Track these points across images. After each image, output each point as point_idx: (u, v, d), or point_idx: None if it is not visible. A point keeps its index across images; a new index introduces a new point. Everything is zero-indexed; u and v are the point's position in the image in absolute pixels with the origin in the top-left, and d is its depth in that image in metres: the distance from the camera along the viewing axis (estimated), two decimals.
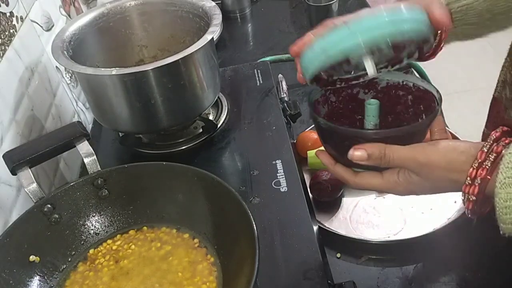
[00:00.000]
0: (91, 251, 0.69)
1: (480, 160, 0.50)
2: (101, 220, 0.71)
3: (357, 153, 0.56)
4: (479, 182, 0.50)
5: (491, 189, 0.49)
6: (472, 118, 2.26)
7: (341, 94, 0.66)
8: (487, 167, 0.50)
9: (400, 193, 0.58)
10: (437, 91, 0.60)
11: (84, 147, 0.70)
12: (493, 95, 0.82)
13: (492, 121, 0.85)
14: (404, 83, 0.64)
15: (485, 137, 0.82)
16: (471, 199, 0.51)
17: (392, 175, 0.56)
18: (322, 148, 0.64)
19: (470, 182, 0.51)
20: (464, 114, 2.28)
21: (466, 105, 2.33)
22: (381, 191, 0.60)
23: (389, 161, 0.55)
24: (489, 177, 0.50)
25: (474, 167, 0.50)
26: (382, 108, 0.63)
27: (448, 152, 0.53)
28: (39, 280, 0.64)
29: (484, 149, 0.50)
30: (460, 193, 0.52)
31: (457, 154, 0.53)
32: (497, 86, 0.82)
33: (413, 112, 0.64)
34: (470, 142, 0.54)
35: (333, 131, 0.59)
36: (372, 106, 0.61)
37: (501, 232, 0.50)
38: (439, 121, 0.59)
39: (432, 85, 0.61)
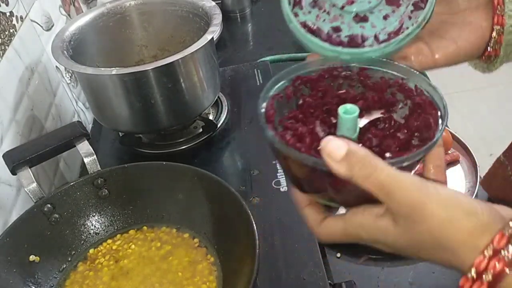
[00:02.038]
0: (91, 251, 0.69)
1: (497, 246, 0.33)
2: (101, 220, 0.71)
3: (330, 146, 0.36)
4: (490, 278, 0.33)
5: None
6: (472, 118, 2.27)
7: (317, 86, 0.46)
8: (506, 257, 0.33)
9: (363, 241, 0.41)
10: (444, 105, 0.42)
11: (84, 147, 0.70)
12: None
13: None
14: (404, 81, 0.45)
15: (499, 165, 0.72)
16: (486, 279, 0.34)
17: (357, 216, 0.39)
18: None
19: (475, 275, 0.34)
20: (464, 114, 2.29)
21: (466, 105, 2.33)
22: (344, 241, 0.42)
23: (372, 176, 0.36)
24: (507, 270, 0.33)
25: (486, 254, 0.34)
26: (365, 113, 0.45)
27: (450, 204, 0.36)
28: (39, 280, 0.64)
29: (506, 232, 0.34)
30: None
31: (461, 213, 0.35)
32: None
33: (407, 129, 0.43)
34: (477, 201, 0.37)
35: (284, 153, 0.40)
36: (347, 117, 0.40)
37: None
38: (439, 154, 0.42)
39: (439, 93, 0.43)
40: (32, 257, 0.64)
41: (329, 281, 0.62)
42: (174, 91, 0.79)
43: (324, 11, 0.47)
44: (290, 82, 0.46)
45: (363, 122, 0.44)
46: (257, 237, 0.56)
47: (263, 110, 0.43)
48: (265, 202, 0.73)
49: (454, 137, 0.94)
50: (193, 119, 0.88)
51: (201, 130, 0.89)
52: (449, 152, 0.93)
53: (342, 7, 0.47)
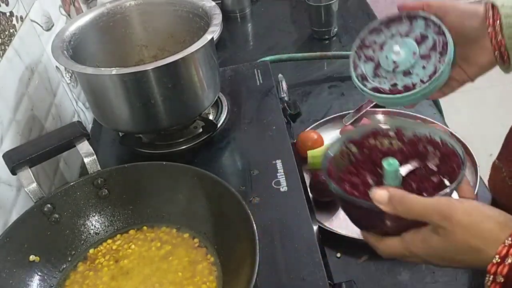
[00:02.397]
0: (91, 251, 0.69)
1: None
2: (101, 220, 0.71)
3: (378, 194, 0.51)
4: (510, 261, 0.43)
5: None
6: (472, 118, 2.26)
7: (364, 145, 0.62)
8: None
9: (418, 257, 0.52)
10: (463, 153, 0.55)
11: (84, 147, 0.70)
12: (511, 127, 0.76)
13: (507, 155, 0.77)
14: (432, 136, 0.59)
15: (496, 170, 0.79)
16: (498, 280, 0.44)
17: (409, 234, 0.51)
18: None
19: (499, 260, 0.44)
20: (464, 114, 2.29)
21: (466, 105, 2.33)
22: (400, 257, 0.54)
23: (409, 208, 0.49)
24: None
25: (507, 243, 0.44)
26: (404, 163, 0.58)
27: (473, 211, 0.47)
28: (39, 280, 0.64)
29: None
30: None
31: (482, 217, 0.47)
32: None
33: (438, 174, 0.57)
34: (495, 208, 0.48)
35: (346, 199, 0.55)
36: (390, 169, 0.54)
37: None
38: (468, 190, 0.54)
39: (457, 143, 0.57)
40: (32, 257, 0.64)
41: (329, 281, 0.62)
42: (174, 91, 0.79)
43: (383, 76, 0.68)
44: (343, 144, 0.61)
45: (404, 170, 0.57)
46: (257, 237, 0.56)
47: (325, 167, 0.58)
48: (265, 202, 0.73)
49: (454, 137, 0.94)
50: (193, 119, 0.88)
51: (201, 130, 0.89)
52: None
53: (393, 70, 0.67)
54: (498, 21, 0.60)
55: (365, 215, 0.55)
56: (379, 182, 0.56)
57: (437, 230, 0.48)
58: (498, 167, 0.79)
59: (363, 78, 0.69)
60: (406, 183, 0.56)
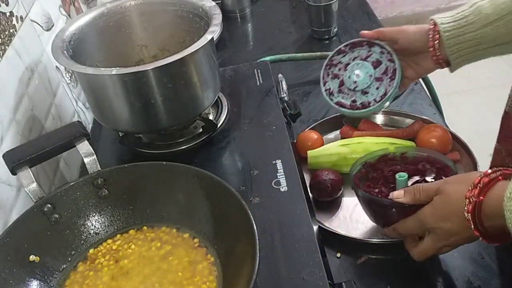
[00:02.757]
0: (91, 251, 0.69)
1: (487, 172, 0.60)
2: (101, 220, 0.71)
3: (396, 193, 0.71)
4: (481, 185, 0.60)
5: (493, 207, 0.58)
6: (472, 118, 2.26)
7: (378, 167, 0.82)
8: (491, 176, 0.60)
9: (429, 224, 0.66)
10: (454, 165, 0.77)
11: (84, 147, 0.70)
12: (504, 109, 0.86)
13: (504, 136, 0.88)
14: (428, 156, 0.80)
15: (497, 152, 0.90)
16: (472, 200, 0.60)
17: (421, 211, 0.68)
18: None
19: (472, 186, 0.60)
20: (464, 114, 2.29)
21: (466, 105, 2.33)
22: (434, 251, 0.69)
23: (419, 190, 0.68)
24: (492, 183, 0.59)
25: (479, 175, 0.60)
26: (408, 179, 0.75)
27: (461, 175, 0.68)
28: (39, 280, 0.64)
29: (494, 170, 0.61)
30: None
31: (468, 174, 0.65)
32: (508, 101, 0.83)
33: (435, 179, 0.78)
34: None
35: (371, 200, 0.76)
36: (402, 179, 0.74)
37: None
38: None
39: (448, 158, 0.79)
40: (32, 257, 0.64)
41: (329, 281, 0.62)
42: (174, 91, 0.79)
43: (345, 93, 0.89)
44: (362, 165, 0.82)
45: (410, 181, 0.76)
46: (257, 237, 0.56)
47: (352, 180, 0.80)
48: (265, 202, 0.73)
49: (454, 137, 0.94)
50: (193, 119, 0.88)
51: (201, 130, 0.89)
52: (449, 152, 0.93)
53: (354, 89, 0.88)
54: (437, 41, 0.78)
55: (385, 211, 0.75)
56: (391, 191, 0.73)
57: (438, 192, 0.65)
58: (498, 149, 0.91)
59: (330, 93, 0.91)
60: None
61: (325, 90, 0.90)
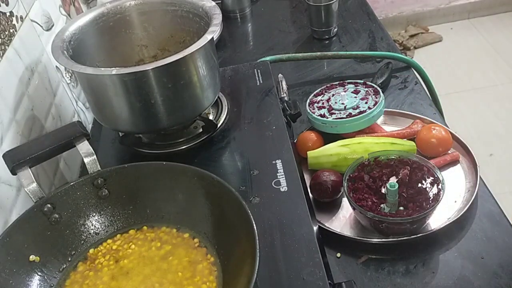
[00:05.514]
0: (91, 250, 0.69)
1: None
2: (101, 220, 0.71)
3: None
4: None
5: None
6: (472, 118, 2.27)
7: (359, 176, 0.84)
8: None
9: None
10: (434, 166, 0.82)
11: (84, 147, 0.70)
12: None
13: None
14: (401, 157, 0.85)
15: None
16: None
17: None
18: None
19: None
20: (464, 114, 2.29)
21: (466, 105, 2.33)
22: None
23: None
24: None
25: None
26: (402, 183, 0.82)
27: None
28: (39, 280, 0.64)
29: None
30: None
31: None
32: None
33: (416, 183, 0.83)
34: None
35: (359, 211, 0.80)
36: (393, 189, 0.78)
37: None
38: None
39: (422, 157, 0.84)
40: (32, 257, 0.64)
41: (329, 281, 0.62)
42: (174, 91, 0.79)
43: (338, 112, 0.98)
44: (347, 180, 0.83)
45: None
46: (257, 237, 0.56)
47: (346, 192, 0.83)
48: (265, 202, 0.73)
49: (454, 137, 0.94)
50: (193, 119, 0.88)
51: (201, 130, 0.89)
52: (449, 152, 0.93)
53: (345, 108, 0.99)
54: None
55: (374, 222, 0.80)
56: (377, 196, 0.82)
57: None
58: None
59: (322, 116, 0.99)
60: (400, 194, 0.81)
61: (318, 115, 0.99)
